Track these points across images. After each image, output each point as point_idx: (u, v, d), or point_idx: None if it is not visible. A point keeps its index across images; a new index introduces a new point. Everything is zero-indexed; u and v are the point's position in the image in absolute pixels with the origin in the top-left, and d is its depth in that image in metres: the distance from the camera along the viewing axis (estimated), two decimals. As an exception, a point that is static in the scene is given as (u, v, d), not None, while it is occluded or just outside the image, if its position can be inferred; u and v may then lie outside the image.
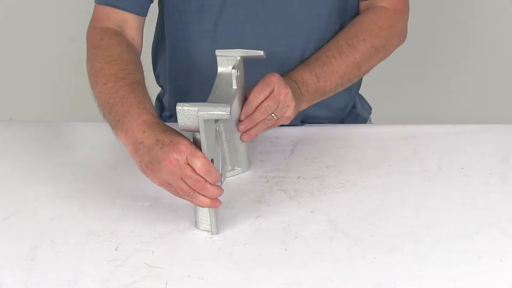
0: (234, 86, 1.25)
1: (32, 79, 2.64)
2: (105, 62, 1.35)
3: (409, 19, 1.53)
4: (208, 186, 1.15)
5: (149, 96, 1.29)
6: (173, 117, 1.63)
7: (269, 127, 1.31)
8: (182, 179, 1.15)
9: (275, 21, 1.44)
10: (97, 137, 1.49)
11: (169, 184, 1.17)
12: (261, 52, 1.29)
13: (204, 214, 1.19)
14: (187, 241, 1.19)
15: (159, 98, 1.69)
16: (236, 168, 1.35)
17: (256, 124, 1.29)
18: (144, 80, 1.34)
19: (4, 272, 1.13)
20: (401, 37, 1.52)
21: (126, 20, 1.45)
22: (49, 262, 1.14)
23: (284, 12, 1.44)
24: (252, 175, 1.35)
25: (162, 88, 1.67)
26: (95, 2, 1.48)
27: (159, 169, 1.15)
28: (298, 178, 1.34)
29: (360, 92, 1.68)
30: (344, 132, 1.49)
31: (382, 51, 1.47)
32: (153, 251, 1.16)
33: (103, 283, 1.10)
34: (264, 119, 1.29)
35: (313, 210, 1.25)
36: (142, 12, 1.47)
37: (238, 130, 1.29)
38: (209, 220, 1.19)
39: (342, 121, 1.60)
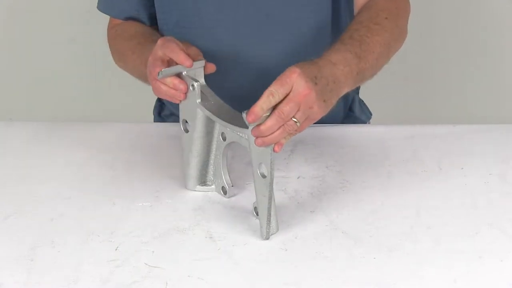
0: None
1: (32, 79, 2.64)
2: (126, 40, 1.47)
3: (409, 20, 1.53)
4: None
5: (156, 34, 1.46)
6: (173, 116, 1.63)
7: (291, 134, 1.13)
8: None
9: (270, 25, 1.43)
10: (97, 137, 1.49)
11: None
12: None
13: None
14: (187, 241, 1.19)
15: (159, 99, 1.69)
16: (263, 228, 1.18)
17: (273, 132, 1.11)
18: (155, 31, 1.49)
19: (4, 272, 1.13)
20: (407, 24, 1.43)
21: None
22: (49, 262, 1.14)
23: (280, 16, 1.43)
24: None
25: None
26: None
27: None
28: (298, 178, 1.34)
29: (360, 96, 1.68)
30: (344, 132, 1.49)
31: (403, 34, 1.38)
32: (153, 251, 1.16)
33: (103, 283, 1.10)
34: (283, 125, 1.11)
35: (313, 210, 1.25)
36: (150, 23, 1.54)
37: (253, 135, 1.12)
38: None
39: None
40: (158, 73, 1.21)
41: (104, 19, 1.60)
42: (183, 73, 1.23)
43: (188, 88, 1.23)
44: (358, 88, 1.67)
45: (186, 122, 1.27)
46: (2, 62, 2.63)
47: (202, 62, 1.24)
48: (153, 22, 1.53)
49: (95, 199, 1.30)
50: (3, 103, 2.61)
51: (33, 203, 1.29)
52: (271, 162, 1.13)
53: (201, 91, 1.23)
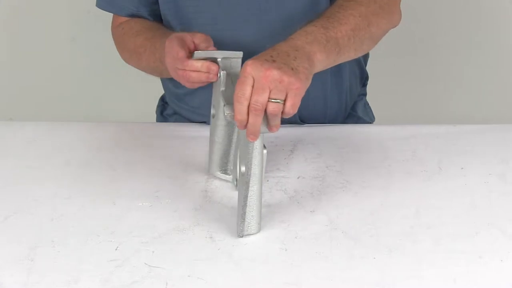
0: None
1: (32, 79, 2.64)
2: (134, 37, 1.47)
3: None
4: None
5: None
6: (175, 115, 1.63)
7: (288, 111, 1.12)
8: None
9: (270, 18, 1.43)
10: (97, 137, 1.49)
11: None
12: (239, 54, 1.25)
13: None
14: (187, 241, 1.19)
15: (162, 98, 1.69)
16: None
17: (269, 120, 1.12)
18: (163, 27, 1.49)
19: (4, 272, 1.13)
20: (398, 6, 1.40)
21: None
22: (49, 262, 1.14)
23: (278, 9, 1.43)
24: (252, 175, 1.35)
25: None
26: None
27: None
28: (298, 178, 1.34)
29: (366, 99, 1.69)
30: (344, 132, 1.49)
31: (388, 13, 1.34)
32: (153, 251, 1.16)
33: (103, 283, 1.10)
34: (267, 111, 1.11)
35: (313, 210, 1.25)
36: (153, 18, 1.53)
37: (248, 139, 1.13)
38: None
39: (342, 123, 1.60)
40: (193, 53, 1.23)
41: (104, 19, 1.60)
42: (218, 60, 1.24)
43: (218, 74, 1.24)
44: (364, 90, 1.67)
45: (214, 107, 1.29)
46: (2, 62, 2.63)
47: (240, 53, 1.24)
48: (155, 18, 1.52)
49: (95, 199, 1.30)
50: (3, 103, 2.62)
51: (33, 203, 1.29)
52: (252, 161, 1.14)
53: (231, 80, 1.22)
